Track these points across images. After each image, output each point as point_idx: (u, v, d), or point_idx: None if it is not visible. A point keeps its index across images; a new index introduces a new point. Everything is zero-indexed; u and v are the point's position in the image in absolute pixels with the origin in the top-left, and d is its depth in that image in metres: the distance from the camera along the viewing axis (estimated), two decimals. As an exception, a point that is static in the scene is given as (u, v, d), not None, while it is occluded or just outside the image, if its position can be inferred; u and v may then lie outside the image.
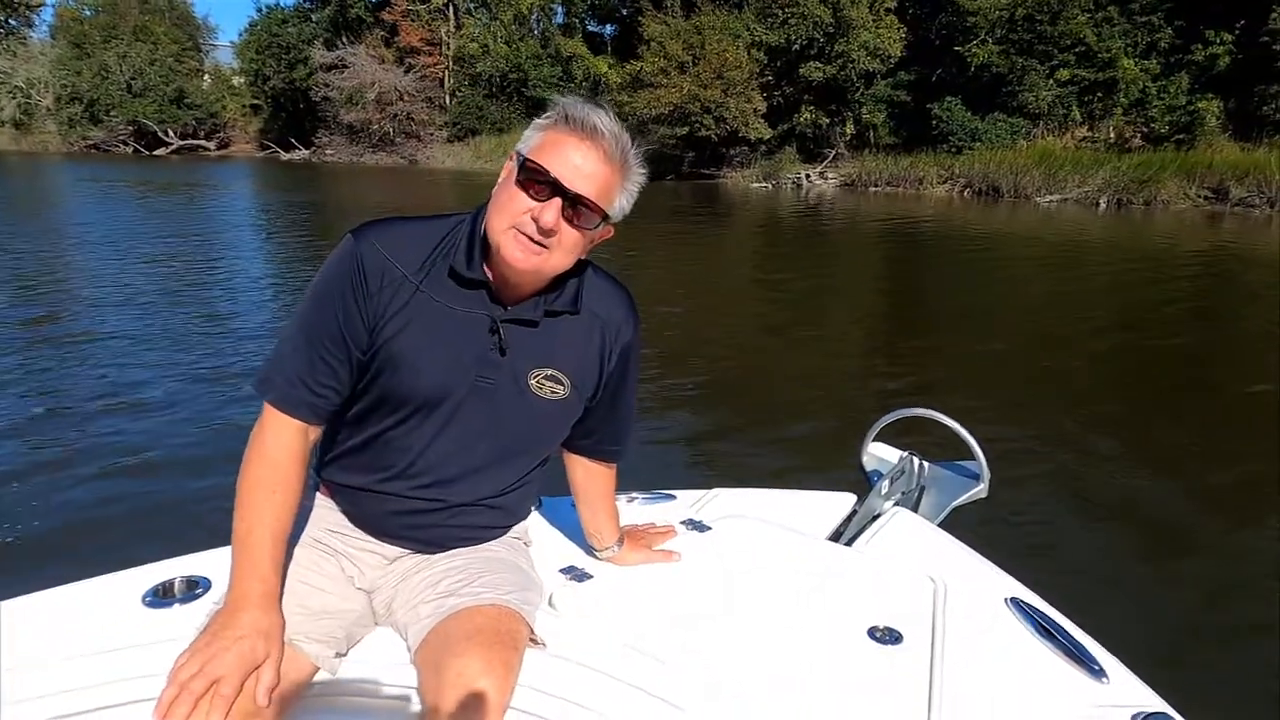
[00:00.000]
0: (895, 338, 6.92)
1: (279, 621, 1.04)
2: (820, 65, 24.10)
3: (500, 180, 1.11)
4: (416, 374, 1.12)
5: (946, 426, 1.73)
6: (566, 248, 1.08)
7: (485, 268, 1.12)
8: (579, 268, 1.17)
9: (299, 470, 1.10)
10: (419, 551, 1.24)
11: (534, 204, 1.04)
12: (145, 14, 41.82)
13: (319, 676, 1.08)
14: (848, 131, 25.43)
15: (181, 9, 45.15)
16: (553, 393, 1.18)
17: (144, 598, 1.17)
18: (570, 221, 1.06)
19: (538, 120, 1.09)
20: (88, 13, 41.91)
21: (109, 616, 1.13)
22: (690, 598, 1.28)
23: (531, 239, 1.05)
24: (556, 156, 1.04)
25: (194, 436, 3.98)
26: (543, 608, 1.22)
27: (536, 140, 1.07)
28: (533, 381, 1.16)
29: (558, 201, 1.04)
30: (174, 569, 1.24)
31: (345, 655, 1.13)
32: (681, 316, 7.27)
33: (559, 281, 1.16)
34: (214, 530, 1.18)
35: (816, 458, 3.92)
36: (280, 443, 1.09)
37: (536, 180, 1.04)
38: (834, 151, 25.19)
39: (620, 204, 1.11)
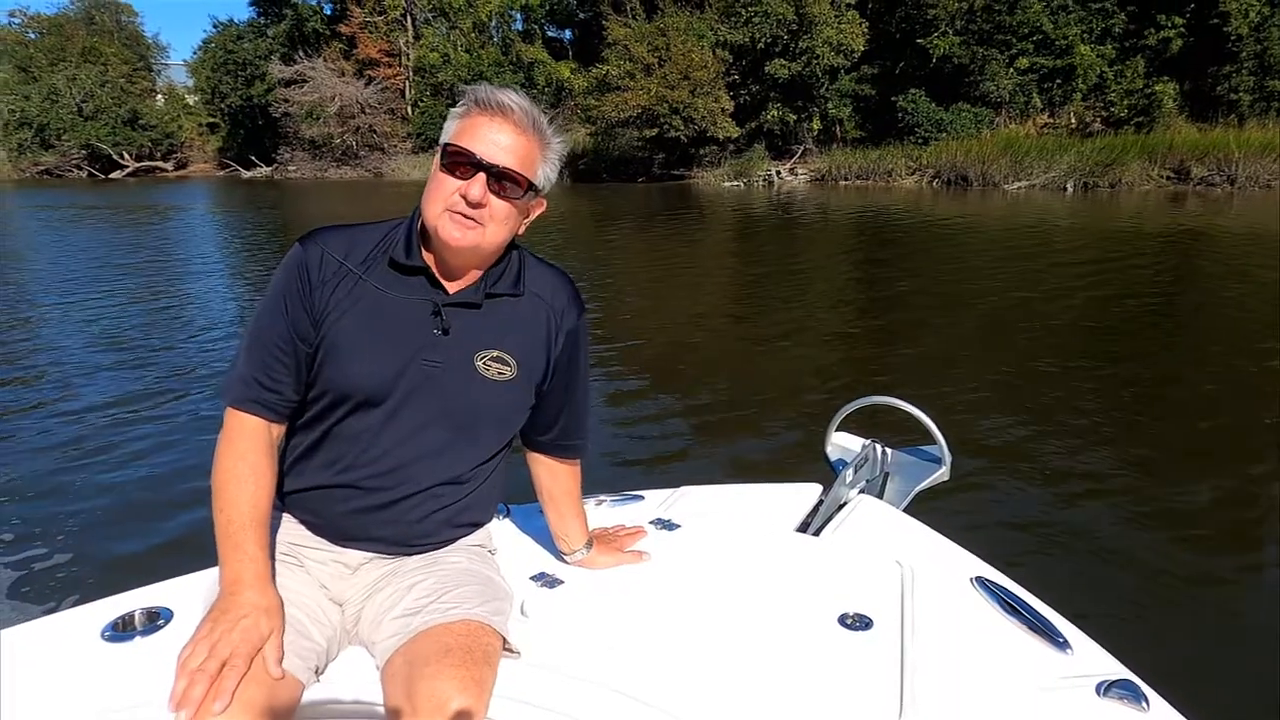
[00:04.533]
0: (861, 328, 6.99)
1: (276, 598, 1.07)
2: (785, 62, 24.32)
3: (430, 174, 1.18)
4: (358, 359, 1.15)
5: (907, 413, 1.75)
6: (499, 219, 1.14)
7: (425, 255, 1.19)
8: (518, 255, 1.24)
9: (269, 461, 1.14)
10: (381, 554, 1.22)
11: (460, 183, 1.12)
12: (93, 35, 40.96)
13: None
14: (815, 127, 25.67)
15: (130, 29, 44.32)
16: (499, 374, 1.20)
17: (103, 632, 1.14)
18: (497, 194, 1.13)
19: (453, 110, 1.17)
20: (32, 35, 40.96)
21: (68, 653, 1.10)
22: (662, 597, 1.28)
23: (465, 215, 1.12)
24: (474, 136, 1.12)
25: (153, 464, 3.89)
26: (515, 616, 1.21)
27: (454, 127, 1.15)
28: (479, 363, 1.19)
29: (482, 176, 1.12)
30: (133, 601, 1.21)
31: (323, 671, 1.11)
32: (650, 317, 7.28)
33: (498, 265, 1.22)
34: (174, 559, 1.16)
35: (783, 450, 3.94)
36: (245, 438, 1.13)
37: (459, 162, 1.12)
38: (802, 147, 25.42)
39: (544, 172, 1.18)
